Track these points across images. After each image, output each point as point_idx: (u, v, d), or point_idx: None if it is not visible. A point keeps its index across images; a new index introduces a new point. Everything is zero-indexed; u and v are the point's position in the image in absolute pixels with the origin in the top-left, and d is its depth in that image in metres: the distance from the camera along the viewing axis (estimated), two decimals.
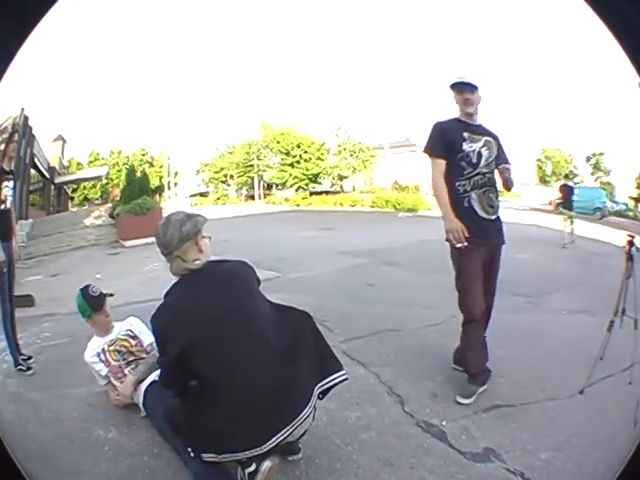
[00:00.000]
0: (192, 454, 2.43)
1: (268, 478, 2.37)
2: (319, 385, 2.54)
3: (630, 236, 4.09)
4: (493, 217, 3.71)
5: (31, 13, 1.71)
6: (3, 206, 4.50)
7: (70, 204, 20.95)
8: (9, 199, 4.37)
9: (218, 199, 26.21)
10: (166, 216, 2.67)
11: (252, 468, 2.37)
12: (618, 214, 17.16)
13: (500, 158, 3.78)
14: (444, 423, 3.23)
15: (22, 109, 13.00)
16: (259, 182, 25.01)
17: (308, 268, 8.97)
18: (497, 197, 3.77)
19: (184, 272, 2.56)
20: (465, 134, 3.67)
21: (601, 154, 18.99)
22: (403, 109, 22.54)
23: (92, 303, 3.60)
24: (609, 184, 19.10)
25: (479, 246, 3.58)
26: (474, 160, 3.63)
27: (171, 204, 22.75)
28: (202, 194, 26.48)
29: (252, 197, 25.54)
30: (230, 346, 2.36)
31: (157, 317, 2.48)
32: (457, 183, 3.64)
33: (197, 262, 2.55)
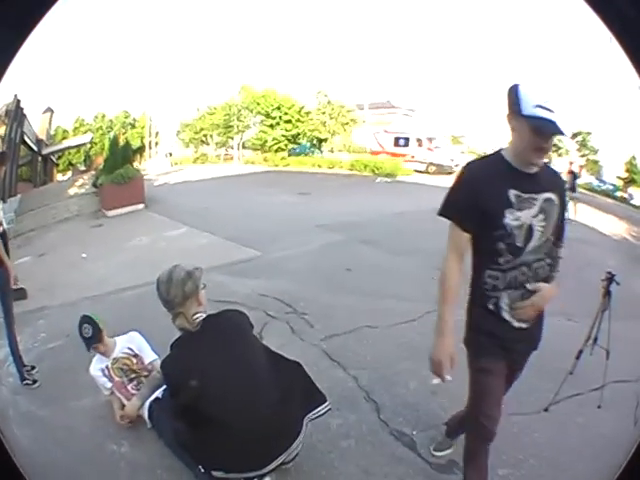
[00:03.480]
0: (202, 470, 2.78)
1: None
2: (308, 417, 2.96)
3: (610, 274, 4.10)
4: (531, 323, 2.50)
5: (31, 13, 1.77)
6: (1, 228, 4.57)
7: (55, 171, 20.91)
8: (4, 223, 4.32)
9: (197, 159, 26.09)
10: (167, 273, 2.85)
11: None
12: (605, 194, 17.12)
13: (558, 232, 2.51)
14: (414, 433, 3.59)
15: (15, 95, 13.06)
16: (238, 143, 24.90)
17: (286, 245, 9.24)
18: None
19: (187, 328, 2.84)
20: (513, 194, 2.32)
21: (588, 133, 18.86)
22: (384, 69, 22.39)
23: (86, 342, 3.75)
24: (596, 163, 19.03)
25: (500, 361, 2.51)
26: (518, 242, 2.34)
27: (151, 163, 22.76)
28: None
29: (231, 157, 25.46)
30: (233, 394, 2.68)
31: (166, 368, 2.81)
32: (486, 273, 2.43)
33: (198, 315, 2.84)
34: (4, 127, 12.70)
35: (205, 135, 24.97)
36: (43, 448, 3.45)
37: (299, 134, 23.46)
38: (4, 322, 4.45)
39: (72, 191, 15.24)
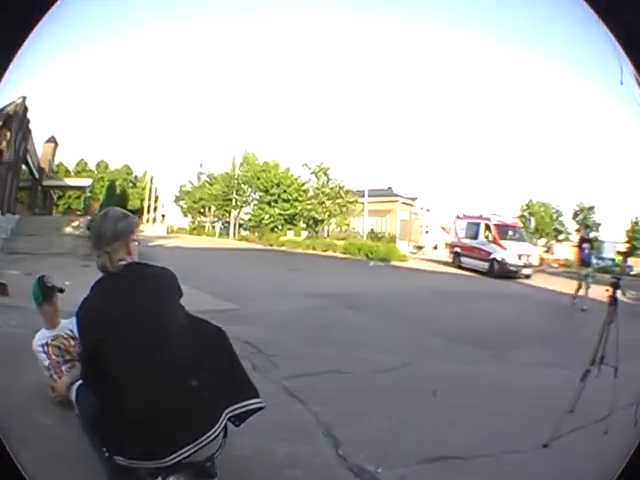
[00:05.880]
0: (107, 454, 2.36)
1: None
2: (230, 409, 2.43)
3: (615, 278, 3.85)
4: None
5: (30, 14, 1.81)
6: None
7: (55, 210, 21.04)
8: None
9: (194, 229, 26.21)
10: (105, 210, 2.66)
11: None
12: (604, 270, 16.90)
13: None
14: (379, 470, 2.93)
15: (24, 97, 13.19)
16: (235, 217, 24.98)
17: (268, 304, 8.77)
18: None
19: (108, 270, 2.48)
20: None
21: (590, 208, 19.02)
22: (389, 157, 22.85)
23: (44, 292, 3.73)
24: (595, 240, 18.93)
25: None
26: None
27: (148, 227, 22.74)
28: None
29: (227, 231, 25.57)
30: (135, 349, 2.29)
31: (79, 311, 2.45)
32: None
33: (122, 262, 2.48)
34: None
35: (204, 206, 25.14)
36: None
37: (296, 214, 23.49)
38: None
39: (67, 230, 15.35)
